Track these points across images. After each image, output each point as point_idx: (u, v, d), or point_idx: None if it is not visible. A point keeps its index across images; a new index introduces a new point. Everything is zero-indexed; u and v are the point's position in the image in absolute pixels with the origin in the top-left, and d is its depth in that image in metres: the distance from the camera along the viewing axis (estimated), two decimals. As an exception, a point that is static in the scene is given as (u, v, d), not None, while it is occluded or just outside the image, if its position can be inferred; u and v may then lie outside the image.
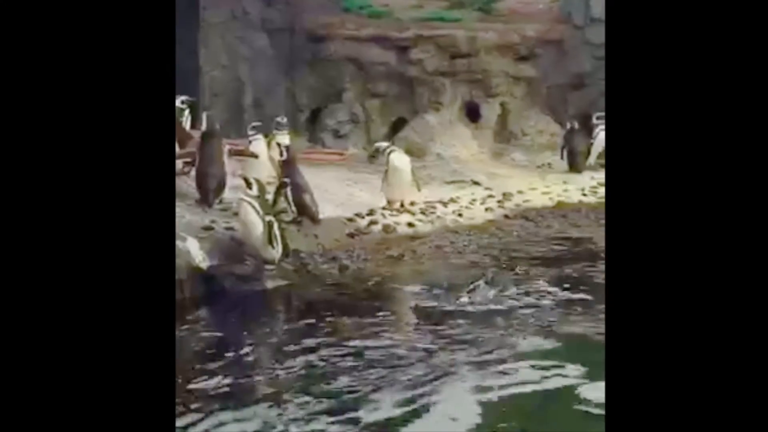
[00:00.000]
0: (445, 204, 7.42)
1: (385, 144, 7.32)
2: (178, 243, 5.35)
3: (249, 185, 5.64)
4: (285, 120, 7.74)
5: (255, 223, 5.56)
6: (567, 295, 4.97)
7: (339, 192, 7.35)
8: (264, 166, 6.90)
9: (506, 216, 7.53)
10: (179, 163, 6.73)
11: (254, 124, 7.46)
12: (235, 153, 6.71)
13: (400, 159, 7.15)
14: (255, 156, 6.91)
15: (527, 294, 5.00)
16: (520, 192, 8.12)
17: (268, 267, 5.57)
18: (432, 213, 7.18)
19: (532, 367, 3.69)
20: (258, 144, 7.14)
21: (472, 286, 5.03)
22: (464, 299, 4.83)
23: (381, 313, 4.72)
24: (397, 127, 9.82)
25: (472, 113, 9.99)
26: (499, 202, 7.79)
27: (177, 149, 6.91)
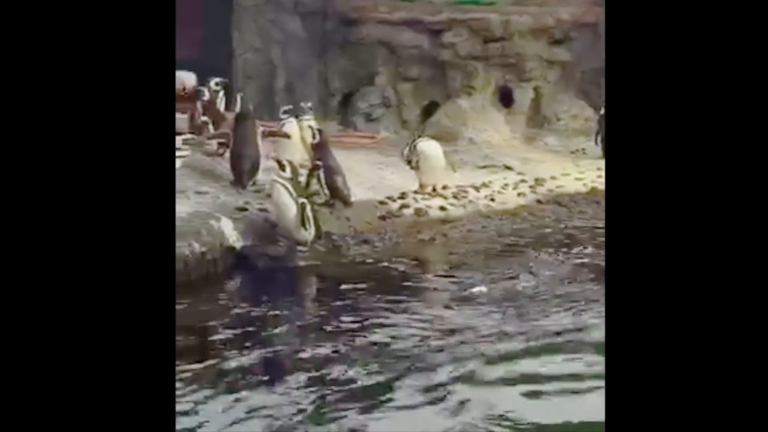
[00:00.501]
0: (477, 188, 7.39)
1: (406, 151, 7.18)
2: (213, 223, 5.42)
3: (282, 167, 5.69)
4: (309, 105, 7.69)
5: (288, 204, 5.60)
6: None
7: (370, 175, 7.36)
8: (296, 148, 6.92)
9: (539, 201, 7.47)
10: (213, 144, 6.81)
11: (285, 108, 7.48)
12: (268, 134, 6.75)
13: (429, 146, 7.13)
14: (288, 136, 6.94)
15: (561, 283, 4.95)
16: (553, 177, 8.04)
17: (300, 248, 5.62)
18: (464, 197, 7.16)
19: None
20: (290, 127, 7.16)
21: (512, 274, 5.01)
22: (481, 288, 4.77)
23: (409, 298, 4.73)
24: (428, 111, 9.77)
25: (505, 98, 9.90)
26: (531, 187, 7.73)
27: (211, 130, 6.99)
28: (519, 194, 7.51)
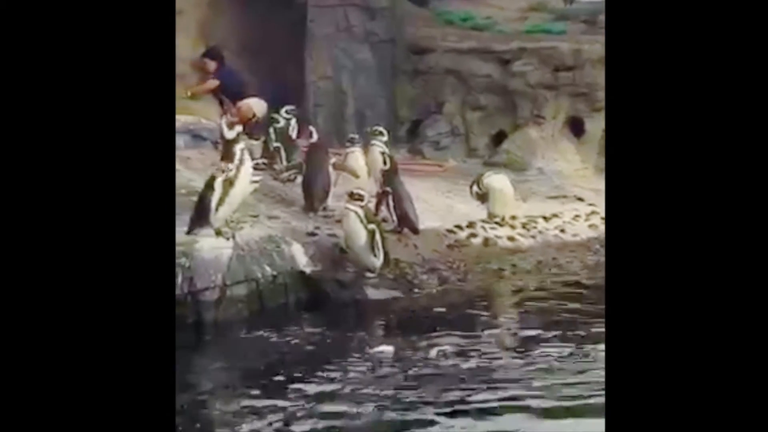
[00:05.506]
0: (547, 219, 7.29)
1: (475, 187, 7.07)
2: (284, 248, 5.51)
3: (354, 196, 5.74)
4: (382, 130, 7.62)
5: (358, 231, 5.65)
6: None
7: (438, 203, 7.35)
8: (363, 181, 6.94)
9: (611, 234, 7.30)
10: (286, 174, 6.95)
11: (351, 136, 7.50)
12: (338, 168, 6.79)
13: (499, 180, 7.10)
14: (356, 176, 6.96)
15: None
16: (625, 209, 7.86)
17: (368, 275, 5.65)
18: (533, 228, 7.07)
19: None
20: (355, 156, 7.16)
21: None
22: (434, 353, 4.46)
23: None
24: (497, 140, 9.72)
25: (576, 127, 9.77)
26: (603, 219, 7.57)
27: (283, 156, 7.13)
28: (590, 226, 7.37)
